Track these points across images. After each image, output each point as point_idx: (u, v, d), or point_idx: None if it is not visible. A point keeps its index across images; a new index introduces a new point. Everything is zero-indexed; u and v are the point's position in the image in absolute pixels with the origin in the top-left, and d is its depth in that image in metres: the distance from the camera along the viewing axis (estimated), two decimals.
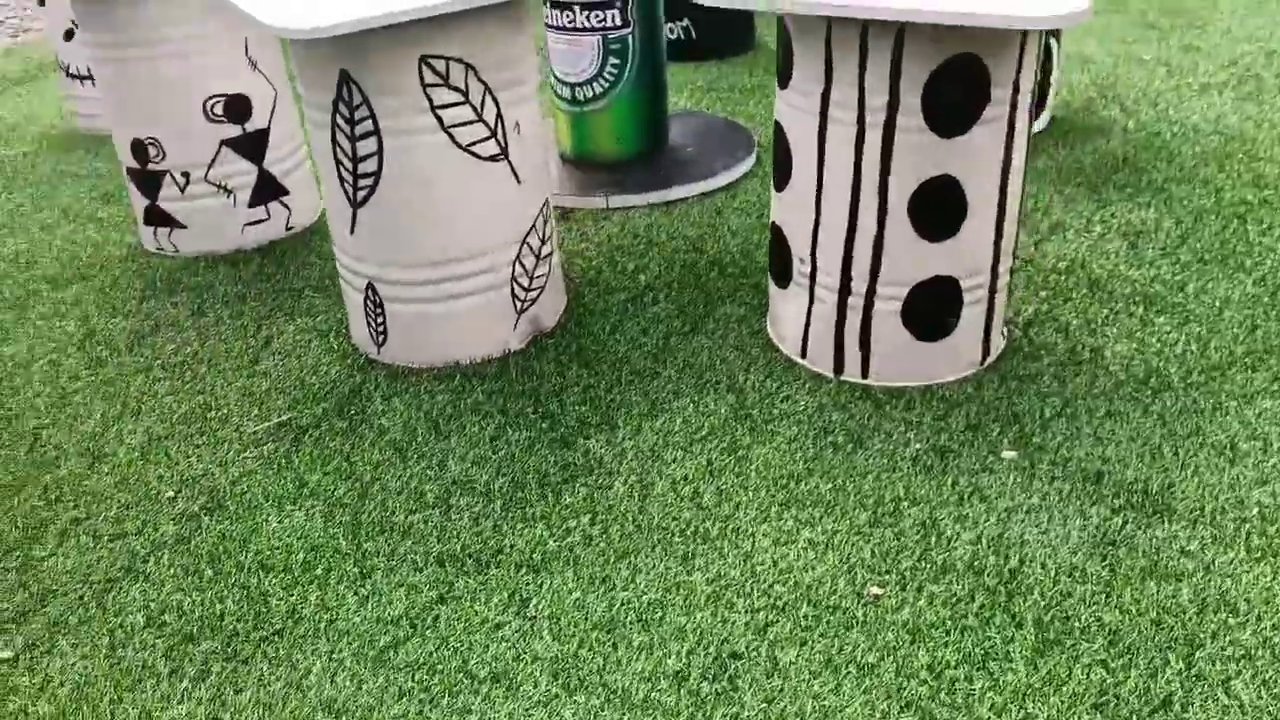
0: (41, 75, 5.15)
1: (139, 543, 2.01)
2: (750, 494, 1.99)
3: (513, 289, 2.45)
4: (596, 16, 3.14)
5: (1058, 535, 1.85)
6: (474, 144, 2.27)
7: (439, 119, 2.22)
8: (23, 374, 2.58)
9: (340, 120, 2.24)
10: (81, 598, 1.88)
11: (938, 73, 1.97)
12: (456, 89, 2.21)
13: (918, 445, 2.08)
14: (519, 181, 2.36)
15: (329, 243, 3.10)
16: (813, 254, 2.25)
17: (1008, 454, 2.03)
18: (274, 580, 1.88)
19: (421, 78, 2.18)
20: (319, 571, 1.90)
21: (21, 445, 2.32)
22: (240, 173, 3.05)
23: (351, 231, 2.38)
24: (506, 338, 2.48)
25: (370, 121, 2.22)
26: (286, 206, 3.17)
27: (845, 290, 2.22)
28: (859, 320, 2.23)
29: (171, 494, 2.12)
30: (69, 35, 4.04)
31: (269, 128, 3.06)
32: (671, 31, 4.42)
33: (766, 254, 2.80)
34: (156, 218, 3.09)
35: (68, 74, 4.14)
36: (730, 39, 4.51)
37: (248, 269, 3.00)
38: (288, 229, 3.19)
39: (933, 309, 2.20)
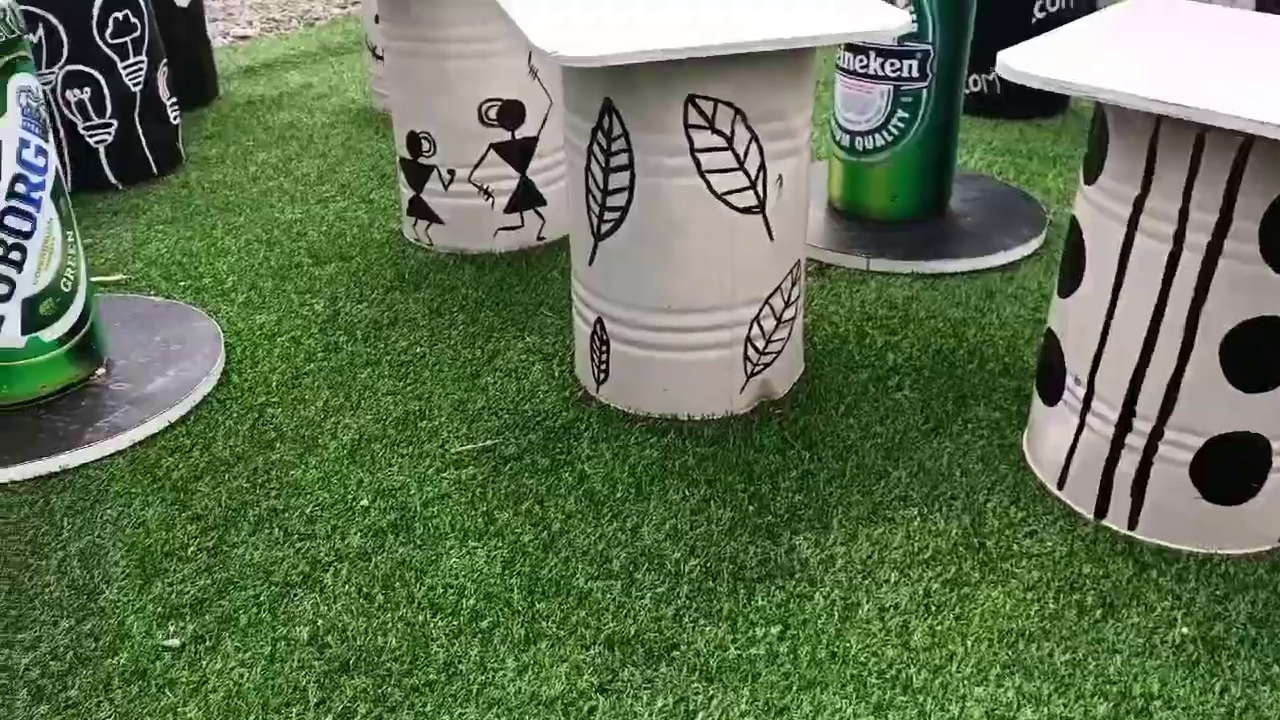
0: (357, 50, 5.43)
1: (324, 549, 1.98)
2: (969, 645, 1.73)
3: (746, 350, 2.28)
4: (892, 65, 2.91)
5: None
6: (730, 193, 2.11)
7: (697, 162, 2.08)
8: (265, 346, 2.66)
9: (597, 148, 2.14)
10: (257, 596, 1.87)
11: None
12: (720, 133, 2.06)
13: (1185, 629, 1.74)
14: (772, 239, 2.19)
15: (567, 255, 3.05)
16: (1091, 376, 1.94)
17: None
18: (440, 623, 1.80)
19: (685, 117, 2.04)
20: (485, 624, 1.80)
21: (246, 420, 2.37)
22: (503, 177, 3.04)
23: (590, 262, 2.28)
24: (731, 399, 2.32)
25: (626, 155, 2.10)
26: (541, 217, 3.13)
27: (1125, 426, 1.90)
28: (1136, 463, 1.91)
29: (366, 503, 2.09)
30: (379, 18, 4.20)
31: (538, 136, 3.03)
32: (974, 84, 4.10)
33: (1036, 358, 2.49)
34: (418, 209, 3.13)
35: (375, 54, 4.31)
36: (1038, 98, 4.13)
37: (492, 274, 2.98)
38: (539, 239, 3.15)
39: (1231, 468, 1.85)
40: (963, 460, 2.17)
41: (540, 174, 3.08)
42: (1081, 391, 1.97)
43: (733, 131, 2.06)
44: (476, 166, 3.01)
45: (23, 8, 3.28)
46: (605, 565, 1.92)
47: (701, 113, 2.03)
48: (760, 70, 2.02)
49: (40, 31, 3.41)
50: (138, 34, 3.65)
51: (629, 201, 2.14)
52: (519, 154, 3.03)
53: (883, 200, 3.11)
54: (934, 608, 1.80)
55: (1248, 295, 1.71)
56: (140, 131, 3.70)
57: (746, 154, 2.09)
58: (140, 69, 3.67)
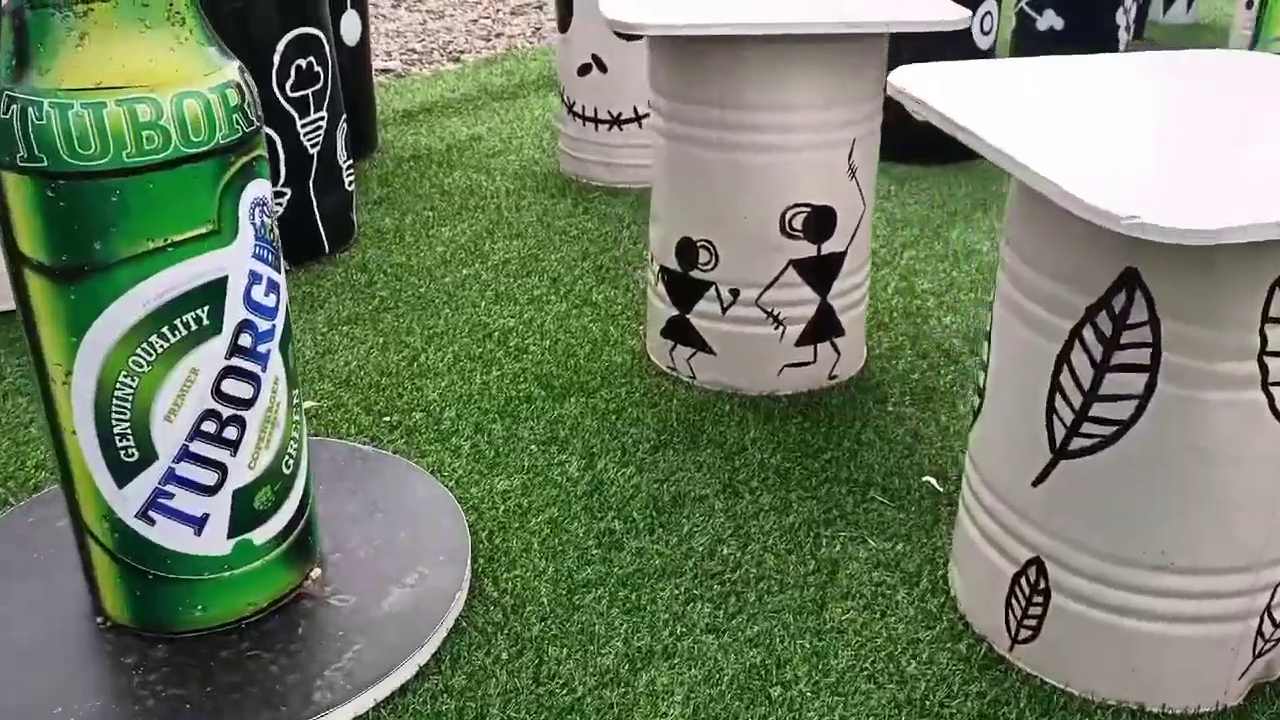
0: (522, 95, 4.81)
1: None
2: None
3: (1261, 624, 1.58)
4: None
5: None
6: None
7: (1264, 370, 1.39)
8: (518, 532, 1.99)
9: (1092, 334, 1.46)
10: None
11: None
12: None
13: None
14: None
15: (879, 404, 2.36)
16: None
17: None
18: None
19: (1266, 308, 1.35)
20: None
21: (524, 667, 1.70)
22: (800, 301, 2.37)
23: (1036, 483, 1.59)
24: (1226, 688, 1.61)
25: (1148, 352, 1.42)
26: (836, 350, 2.45)
27: None
28: None
29: None
30: (584, 70, 3.57)
31: (846, 252, 2.36)
32: None
33: None
34: (680, 333, 2.47)
35: (570, 110, 3.68)
36: None
37: (784, 428, 2.31)
38: (830, 377, 2.47)
39: None
40: None
41: (841, 297, 2.40)
42: None
43: None
44: (769, 287, 2.34)
45: None
46: None
47: None
48: None
49: None
50: (319, 85, 3.04)
51: (1136, 415, 1.45)
52: (822, 273, 2.36)
53: None
54: None
55: None
56: (314, 201, 3.09)
57: None
58: (320, 127, 3.05)
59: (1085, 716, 1.61)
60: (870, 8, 2.19)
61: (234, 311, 1.55)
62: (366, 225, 3.38)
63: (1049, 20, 4.87)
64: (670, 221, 2.40)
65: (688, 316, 2.44)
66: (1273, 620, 1.58)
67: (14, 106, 1.37)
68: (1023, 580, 1.66)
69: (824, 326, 2.41)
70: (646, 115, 3.56)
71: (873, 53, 2.22)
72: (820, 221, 2.30)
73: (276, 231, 1.63)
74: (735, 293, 2.36)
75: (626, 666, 1.70)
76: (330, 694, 1.60)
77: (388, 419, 2.36)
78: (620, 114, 3.57)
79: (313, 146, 3.04)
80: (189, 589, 1.67)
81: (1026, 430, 1.58)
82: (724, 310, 2.39)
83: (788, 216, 2.28)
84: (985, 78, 1.71)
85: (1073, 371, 1.49)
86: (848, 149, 2.26)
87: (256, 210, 1.56)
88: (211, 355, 1.54)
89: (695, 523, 2.02)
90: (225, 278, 1.52)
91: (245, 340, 1.58)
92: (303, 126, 3.00)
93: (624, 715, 1.61)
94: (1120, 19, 4.88)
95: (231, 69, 1.50)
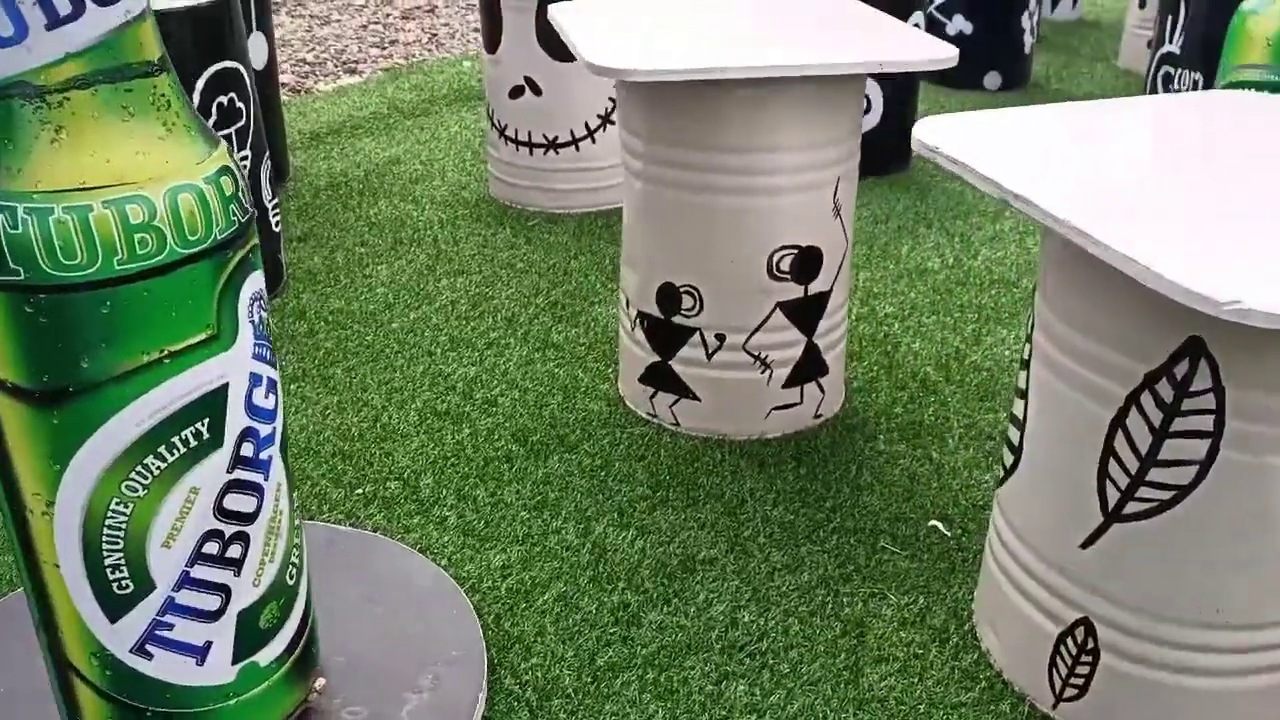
0: (434, 112, 4.63)
1: None
2: None
3: None
4: None
5: None
6: None
7: None
8: (527, 614, 1.87)
9: (1152, 401, 1.42)
10: None
11: None
12: None
13: None
14: None
15: (869, 442, 2.32)
16: None
17: None
18: None
19: None
20: None
21: None
22: (787, 344, 2.30)
23: (1086, 545, 1.56)
24: None
25: (1212, 420, 1.39)
26: (821, 389, 2.40)
27: None
28: None
29: None
30: (516, 93, 3.42)
31: (830, 290, 2.31)
32: None
33: None
34: (662, 380, 2.37)
35: (501, 134, 3.53)
36: None
37: (780, 475, 2.24)
38: (815, 416, 2.42)
39: None
40: None
41: (825, 336, 2.35)
42: None
43: None
44: (757, 330, 2.27)
45: None
46: None
47: None
48: None
49: None
50: (242, 122, 2.84)
51: (1197, 480, 1.43)
52: (808, 313, 2.29)
53: None
54: None
55: None
56: None
57: None
58: (244, 169, 2.85)
59: None
60: (857, 47, 2.13)
61: (235, 420, 1.39)
62: (294, 266, 3.18)
63: (958, 25, 4.93)
64: (649, 267, 2.30)
65: (670, 363, 2.35)
66: None
67: None
68: (1069, 640, 1.63)
69: (810, 367, 2.35)
70: (585, 138, 3.45)
71: (854, 90, 2.16)
72: (807, 262, 2.23)
73: (270, 324, 1.48)
74: (721, 338, 2.28)
75: None
76: None
77: (359, 492, 2.20)
78: (556, 138, 3.44)
79: None
80: None
81: (1074, 492, 1.55)
82: (709, 356, 2.31)
83: (775, 259, 2.20)
84: (1014, 129, 1.67)
85: (1129, 437, 1.46)
86: (833, 187, 2.20)
87: (254, 306, 1.41)
88: (213, 471, 1.38)
89: (710, 589, 1.94)
90: (225, 385, 1.37)
91: (247, 449, 1.42)
92: None
93: None
94: (1025, 23, 4.97)
95: (222, 152, 1.35)
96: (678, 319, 2.30)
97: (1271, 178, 1.53)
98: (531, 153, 3.47)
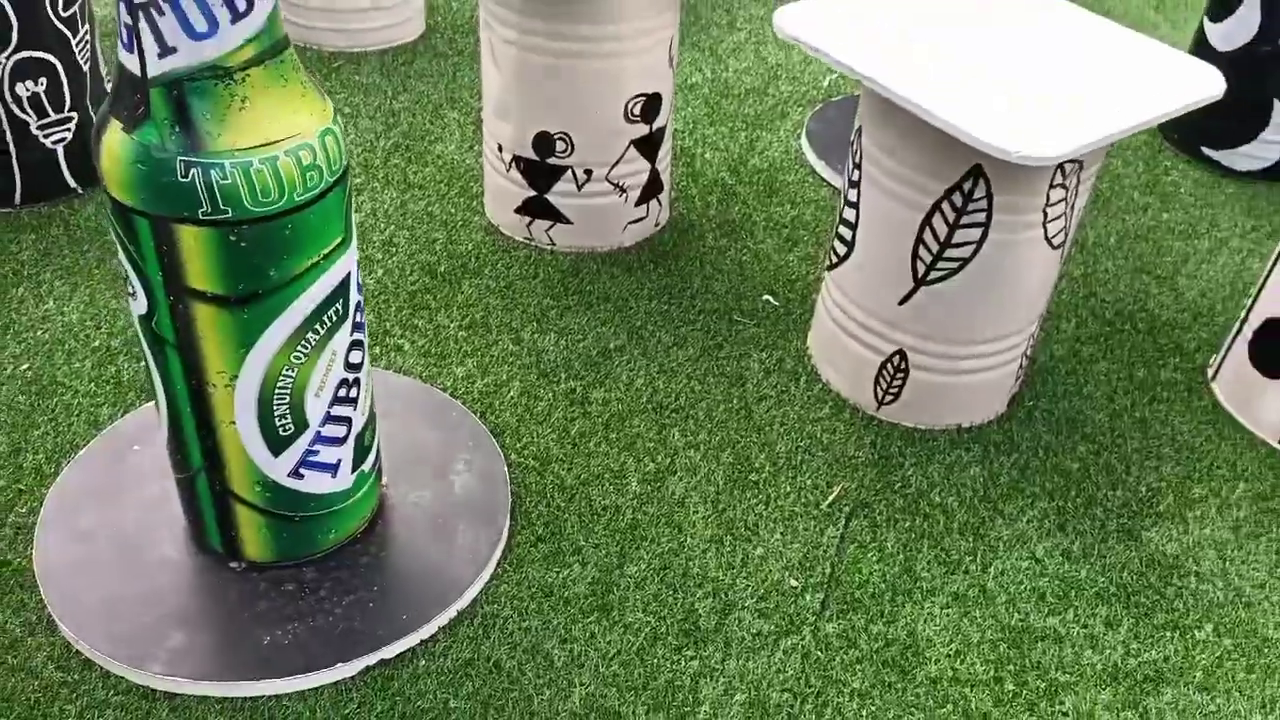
0: None
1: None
2: None
3: (1021, 360, 2.51)
4: None
5: None
6: (1056, 234, 2.28)
7: (1045, 215, 2.22)
8: (506, 408, 2.46)
9: (946, 207, 2.20)
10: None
11: None
12: (1066, 187, 2.21)
13: None
14: (1060, 259, 2.40)
15: (699, 240, 3.02)
16: None
17: None
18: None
19: (1053, 179, 2.16)
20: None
21: (583, 510, 2.26)
22: (637, 172, 2.90)
23: (901, 303, 2.37)
24: (999, 406, 2.56)
25: (983, 214, 2.19)
26: (660, 204, 3.04)
27: None
28: None
29: (796, 584, 2.15)
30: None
31: (666, 125, 2.91)
32: None
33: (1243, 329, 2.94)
34: (538, 210, 2.91)
35: None
36: None
37: (647, 276, 2.89)
38: (655, 225, 3.07)
39: None
40: (1180, 435, 2.60)
41: (662, 161, 2.97)
42: None
43: (1078, 183, 2.21)
44: (616, 164, 2.85)
45: None
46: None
47: (1064, 173, 2.16)
48: None
49: None
50: None
51: (973, 255, 2.24)
52: (652, 146, 2.89)
53: None
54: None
55: None
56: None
57: (1076, 197, 2.26)
58: (87, 42, 2.94)
59: (928, 437, 2.49)
60: None
61: (352, 297, 1.85)
62: None
63: None
64: (524, 119, 2.78)
65: (546, 196, 2.89)
66: (1027, 356, 2.53)
67: (194, 170, 1.55)
68: (888, 365, 2.47)
69: (653, 187, 2.98)
70: None
71: None
72: (652, 105, 2.81)
73: None
74: (589, 172, 2.85)
75: (648, 487, 2.31)
76: (474, 565, 2.07)
77: None
78: None
79: (85, 64, 2.94)
80: (324, 521, 2.02)
81: (895, 268, 2.34)
82: (579, 188, 2.87)
83: (629, 105, 2.77)
84: (851, 15, 2.30)
85: (933, 230, 2.24)
86: (668, 45, 2.77)
87: (349, 212, 1.84)
88: (343, 336, 1.85)
89: (629, 368, 2.61)
90: (349, 274, 1.82)
91: (359, 317, 1.89)
92: (77, 45, 2.88)
93: (663, 518, 2.24)
94: None
95: (328, 100, 1.74)
96: (552, 160, 2.83)
97: (1020, 44, 2.29)
98: None
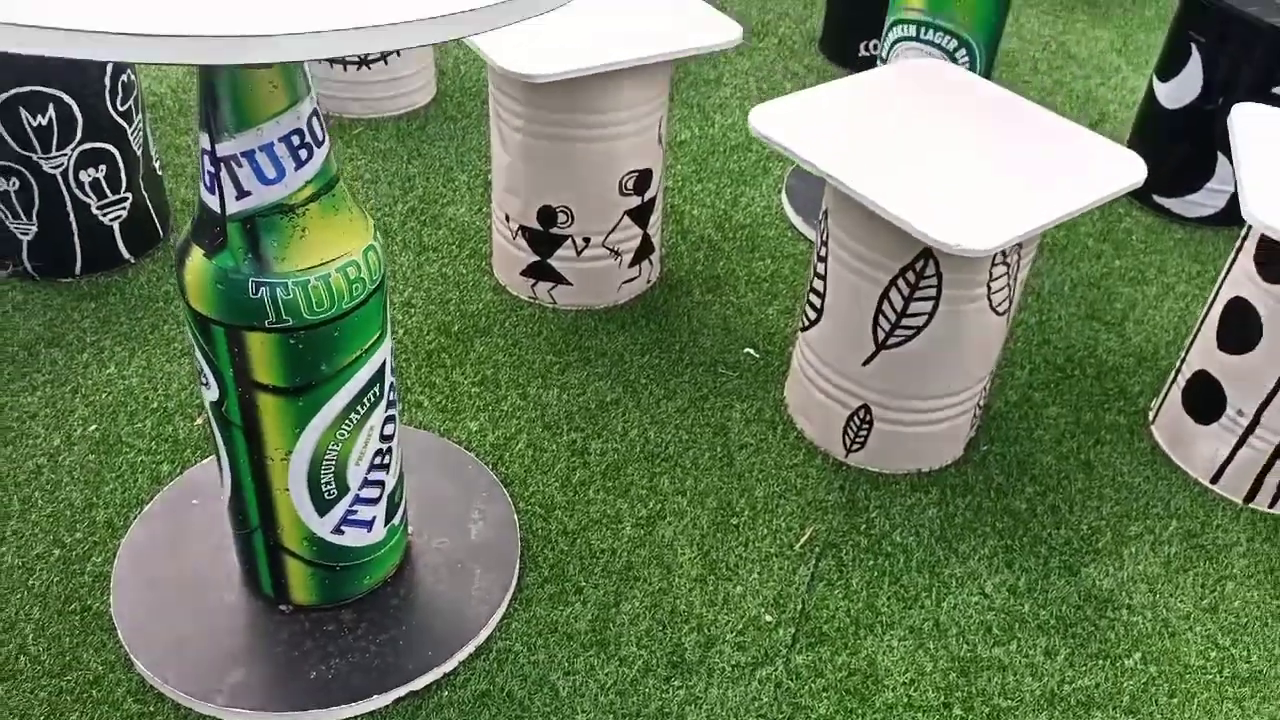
0: None
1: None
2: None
3: (974, 412, 2.83)
4: None
5: None
6: (1000, 303, 2.59)
7: (989, 289, 2.53)
8: (514, 459, 2.77)
9: (902, 283, 2.51)
10: None
11: None
12: (1007, 264, 2.52)
13: None
14: (1006, 322, 2.71)
15: (687, 297, 3.32)
16: (1259, 411, 2.73)
17: None
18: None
19: (991, 268, 2.47)
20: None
21: (583, 549, 2.56)
22: (630, 237, 3.21)
23: (865, 364, 2.68)
24: (956, 451, 2.87)
25: (934, 289, 2.50)
26: (651, 263, 3.35)
27: None
28: None
29: (771, 619, 2.45)
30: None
31: (656, 195, 3.22)
32: None
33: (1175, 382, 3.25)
34: (542, 273, 3.22)
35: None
36: None
37: (640, 332, 3.20)
38: (648, 283, 3.38)
39: None
40: (1125, 476, 2.91)
41: (652, 226, 3.28)
42: (1245, 421, 2.76)
43: (1018, 259, 2.53)
44: (611, 232, 3.16)
45: (29, 89, 2.85)
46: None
47: (1005, 256, 2.48)
48: None
49: (51, 112, 2.93)
50: (136, 92, 3.20)
51: (926, 324, 2.56)
52: (643, 214, 3.20)
53: None
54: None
55: None
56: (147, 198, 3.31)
57: (1018, 269, 2.57)
58: (139, 129, 3.24)
59: (891, 481, 2.80)
60: (663, 38, 2.92)
61: (387, 381, 2.16)
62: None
63: None
64: (530, 193, 3.10)
65: (549, 260, 3.20)
66: (980, 407, 2.84)
67: (262, 289, 1.86)
68: (855, 418, 2.78)
69: (645, 249, 3.29)
70: (392, 53, 4.01)
71: (665, 69, 3.01)
72: (643, 179, 3.13)
73: None
74: (587, 240, 3.16)
75: (641, 531, 2.62)
76: (488, 605, 2.38)
77: None
78: (367, 54, 3.98)
79: (138, 148, 3.24)
80: (361, 569, 2.33)
81: (858, 334, 2.65)
82: (579, 253, 3.18)
83: (623, 180, 3.08)
84: (807, 111, 2.61)
85: (890, 303, 2.55)
86: (657, 126, 3.08)
87: (386, 311, 2.15)
88: (380, 413, 2.16)
89: (623, 420, 2.92)
90: (385, 361, 2.13)
91: (392, 396, 2.19)
92: (132, 134, 3.17)
93: (654, 560, 2.55)
94: None
95: (369, 219, 2.04)
96: (555, 230, 3.14)
97: (964, 137, 2.60)
98: (345, 69, 3.99)
